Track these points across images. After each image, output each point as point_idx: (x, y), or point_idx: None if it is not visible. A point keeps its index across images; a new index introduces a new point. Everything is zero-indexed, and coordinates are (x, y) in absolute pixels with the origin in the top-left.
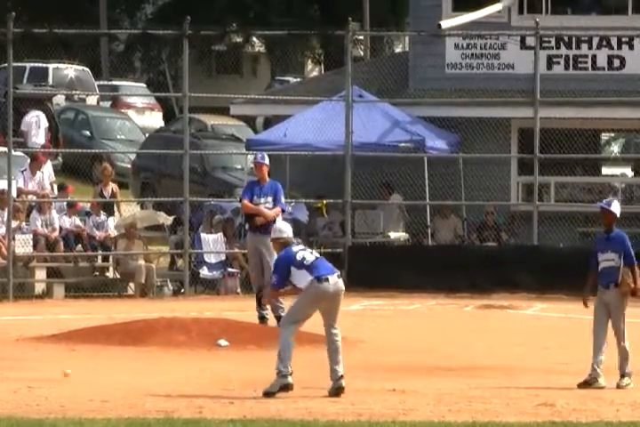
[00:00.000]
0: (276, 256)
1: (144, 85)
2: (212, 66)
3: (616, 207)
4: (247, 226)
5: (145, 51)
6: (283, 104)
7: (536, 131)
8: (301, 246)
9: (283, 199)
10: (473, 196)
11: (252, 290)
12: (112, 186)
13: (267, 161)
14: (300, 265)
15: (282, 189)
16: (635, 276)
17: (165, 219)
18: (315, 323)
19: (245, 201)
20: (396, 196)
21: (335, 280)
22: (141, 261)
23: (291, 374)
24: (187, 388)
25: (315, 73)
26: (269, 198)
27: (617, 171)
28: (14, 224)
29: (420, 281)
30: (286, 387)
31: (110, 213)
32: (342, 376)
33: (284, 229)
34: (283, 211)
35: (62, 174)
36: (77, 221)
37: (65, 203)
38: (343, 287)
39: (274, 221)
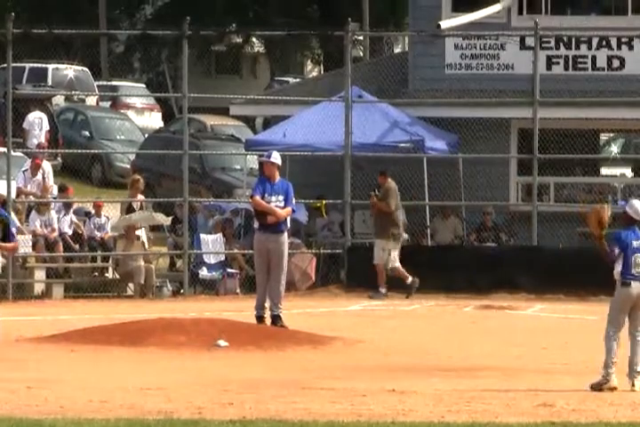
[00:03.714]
0: (286, 256)
1: (143, 86)
2: (212, 66)
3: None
4: (256, 224)
5: (144, 51)
6: (282, 104)
7: (535, 131)
8: None
9: (293, 200)
10: (472, 196)
11: (252, 290)
12: (141, 197)
13: (276, 160)
14: None
15: (292, 189)
16: None
17: (164, 220)
18: (315, 323)
19: (257, 198)
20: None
21: None
22: (141, 262)
23: None
24: (186, 388)
25: (314, 73)
26: (280, 197)
27: (616, 171)
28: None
29: (420, 281)
30: None
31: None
32: None
33: None
34: (293, 211)
35: (61, 175)
36: (74, 218)
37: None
38: None
39: (284, 221)
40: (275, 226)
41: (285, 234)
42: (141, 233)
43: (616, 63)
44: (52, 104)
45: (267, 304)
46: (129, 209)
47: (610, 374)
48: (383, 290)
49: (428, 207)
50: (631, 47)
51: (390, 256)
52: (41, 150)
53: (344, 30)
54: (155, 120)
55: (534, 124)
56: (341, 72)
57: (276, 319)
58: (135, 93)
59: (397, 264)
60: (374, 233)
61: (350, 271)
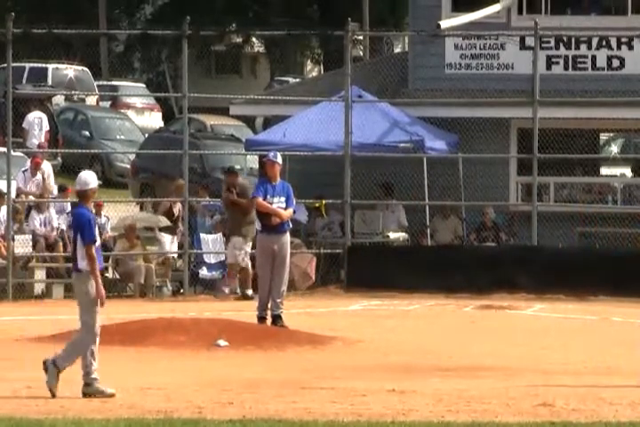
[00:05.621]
0: (289, 256)
1: (143, 86)
2: (212, 66)
3: None
4: (258, 225)
5: (144, 51)
6: (282, 104)
7: (535, 131)
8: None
9: (294, 200)
10: (472, 196)
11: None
12: (179, 205)
13: (279, 160)
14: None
15: (292, 189)
16: None
17: (165, 222)
18: (315, 323)
19: (260, 199)
20: (397, 205)
21: None
22: (140, 262)
23: None
24: (186, 388)
25: (314, 73)
26: (282, 198)
27: (616, 171)
28: (15, 226)
29: (420, 281)
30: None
31: (172, 232)
32: None
33: (91, 179)
34: (294, 212)
35: (61, 175)
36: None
37: (64, 204)
38: None
39: (287, 222)
40: (279, 227)
41: (288, 234)
42: (169, 237)
43: (616, 63)
44: (52, 104)
45: (268, 305)
46: (169, 213)
47: None
48: (250, 291)
49: (427, 207)
50: (631, 47)
51: (244, 255)
52: (41, 150)
53: (344, 30)
54: (155, 120)
55: (534, 124)
56: (341, 72)
57: (276, 319)
58: (135, 93)
59: (249, 265)
60: (229, 231)
61: (350, 271)
